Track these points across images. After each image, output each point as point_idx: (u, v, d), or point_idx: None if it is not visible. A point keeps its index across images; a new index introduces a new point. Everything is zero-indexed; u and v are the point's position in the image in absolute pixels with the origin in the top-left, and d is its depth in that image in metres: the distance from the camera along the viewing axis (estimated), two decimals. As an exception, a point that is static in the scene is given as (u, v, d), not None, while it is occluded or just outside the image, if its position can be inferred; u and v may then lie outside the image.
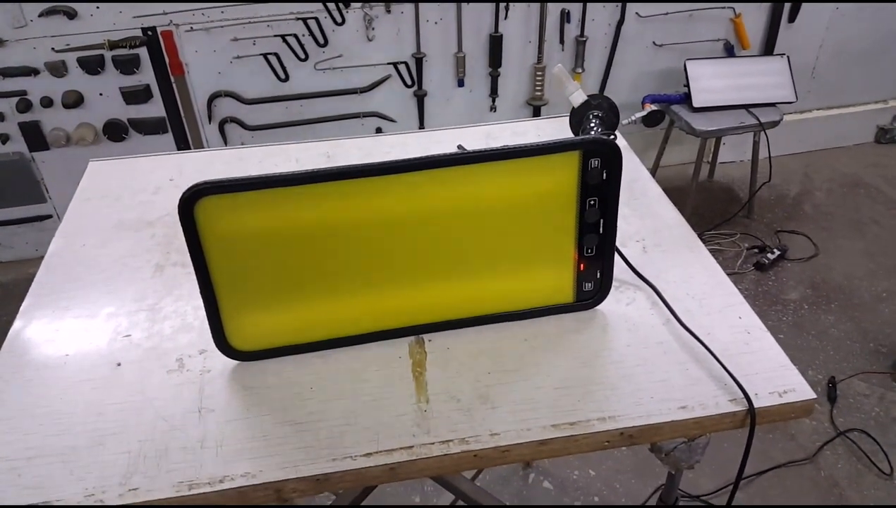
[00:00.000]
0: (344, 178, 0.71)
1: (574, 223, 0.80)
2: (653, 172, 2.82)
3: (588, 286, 0.83)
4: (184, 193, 0.68)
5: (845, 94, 3.04)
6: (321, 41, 2.42)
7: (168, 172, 1.11)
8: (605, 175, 0.78)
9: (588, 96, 1.17)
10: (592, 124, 1.10)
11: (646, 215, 1.01)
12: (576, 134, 1.19)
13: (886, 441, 1.81)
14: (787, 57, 2.53)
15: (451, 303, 0.81)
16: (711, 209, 2.76)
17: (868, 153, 3.12)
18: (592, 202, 0.79)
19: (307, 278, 0.76)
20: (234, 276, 0.73)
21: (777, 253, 2.47)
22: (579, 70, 2.67)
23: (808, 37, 2.81)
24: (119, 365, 0.78)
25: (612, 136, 1.09)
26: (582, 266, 0.82)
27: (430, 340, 0.80)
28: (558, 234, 0.80)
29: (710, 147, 2.86)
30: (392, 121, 2.67)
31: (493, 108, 2.73)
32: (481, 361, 0.77)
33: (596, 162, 0.77)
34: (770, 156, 2.57)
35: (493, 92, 2.68)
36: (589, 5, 2.53)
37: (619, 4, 2.55)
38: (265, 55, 2.40)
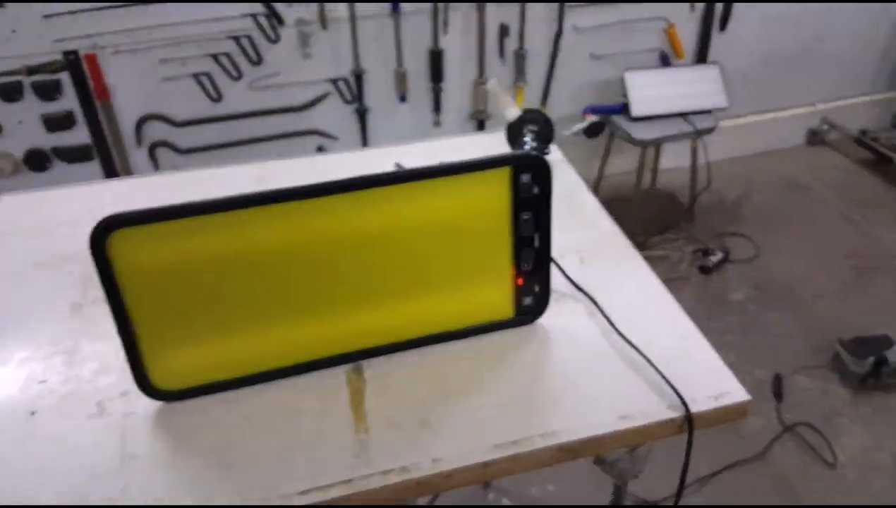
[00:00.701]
0: (266, 203, 0.68)
1: (509, 238, 0.79)
2: (597, 182, 2.87)
3: (527, 300, 0.82)
4: (94, 227, 0.64)
5: (777, 99, 3.15)
6: (255, 59, 2.38)
7: (87, 204, 1.05)
8: (536, 189, 0.77)
9: (523, 111, 1.17)
10: (528, 138, 1.10)
11: (583, 227, 1.01)
12: (513, 148, 1.19)
13: (830, 433, 1.86)
14: (719, 64, 2.60)
15: (389, 327, 0.78)
16: (656, 215, 2.80)
17: (801, 155, 3.23)
18: (526, 217, 0.78)
19: (233, 310, 0.72)
20: (155, 312, 0.69)
21: (720, 255, 2.53)
22: (521, 83, 2.69)
23: (739, 44, 2.89)
24: (34, 413, 0.73)
25: (547, 151, 1.09)
26: (520, 281, 0.81)
27: (368, 367, 0.78)
28: (495, 250, 0.79)
29: (652, 155, 2.92)
30: (334, 138, 2.63)
31: (437, 123, 2.73)
32: (422, 385, 0.75)
33: (527, 177, 0.76)
34: (709, 162, 2.63)
35: (437, 107, 2.68)
36: (528, 19, 2.56)
37: (557, 17, 2.58)
38: (196, 75, 2.35)
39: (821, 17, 2.95)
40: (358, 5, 2.36)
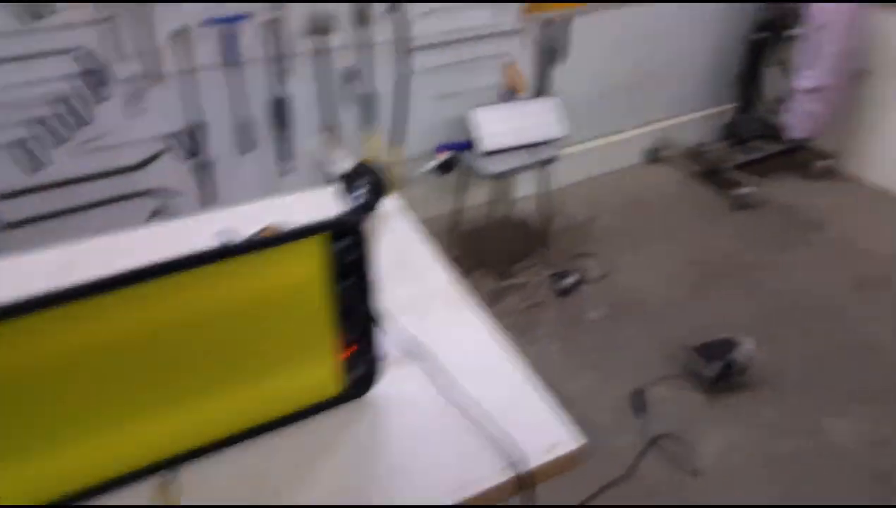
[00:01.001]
0: (45, 307, 0.60)
1: (330, 310, 0.74)
2: (456, 216, 2.91)
3: (356, 374, 0.78)
4: None
5: (616, 122, 3.36)
6: (83, 120, 2.20)
7: None
8: (355, 254, 0.74)
9: (356, 164, 1.14)
10: (359, 193, 1.07)
11: (419, 279, 0.99)
12: (349, 201, 1.15)
13: (691, 440, 1.95)
14: (558, 96, 2.73)
15: (203, 426, 0.71)
16: (513, 244, 2.88)
17: (640, 173, 3.46)
18: (347, 284, 0.75)
19: (11, 429, 0.62)
20: None
21: (575, 277, 2.62)
22: (373, 124, 2.68)
23: (577, 75, 3.06)
24: None
25: (376, 206, 1.07)
26: (346, 353, 0.77)
27: (184, 472, 0.70)
28: (315, 324, 0.74)
29: (505, 186, 3.00)
30: (176, 195, 2.49)
31: (285, 172, 2.65)
32: (244, 486, 0.68)
33: (344, 242, 0.73)
34: (558, 188, 2.74)
35: (283, 155, 2.60)
36: (374, 63, 2.56)
37: (402, 60, 2.61)
38: (14, 142, 2.13)
39: (649, 44, 3.19)
40: (193, 58, 2.26)
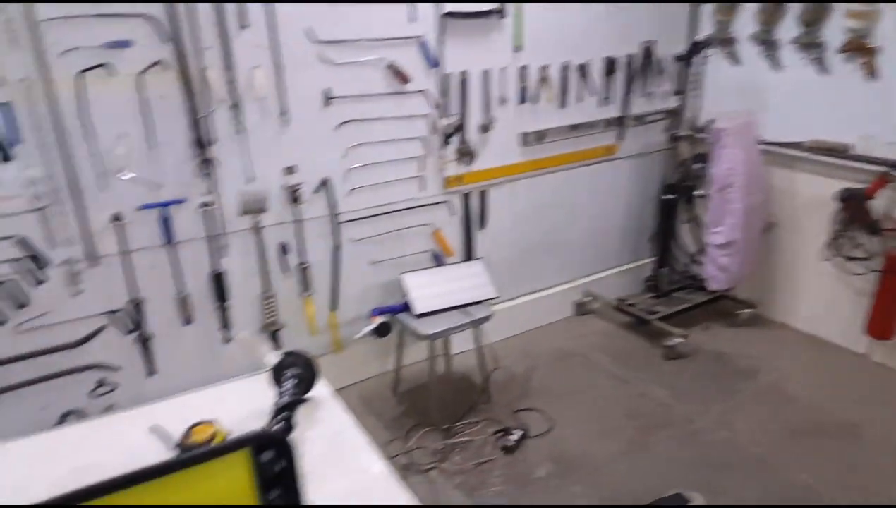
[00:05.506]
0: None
1: (259, 520, 0.77)
2: (396, 375, 2.94)
3: (287, 583, 0.80)
4: None
5: (540, 280, 3.54)
6: (20, 303, 2.22)
7: None
8: (282, 464, 0.78)
9: (283, 354, 1.20)
10: (286, 387, 1.12)
11: (351, 471, 1.03)
12: (278, 389, 1.20)
13: None
14: (483, 259, 2.91)
15: None
16: (454, 400, 2.91)
17: (571, 325, 3.61)
18: (275, 494, 0.78)
19: None
20: None
21: (519, 433, 2.64)
22: (308, 292, 2.77)
23: (499, 238, 3.28)
24: None
25: (304, 399, 1.12)
26: (275, 563, 0.79)
27: None
28: (244, 536, 0.77)
29: (441, 344, 3.08)
30: (115, 369, 2.47)
31: (227, 339, 2.67)
32: None
33: (269, 454, 0.77)
34: (492, 344, 2.83)
35: (224, 324, 2.64)
36: (305, 236, 2.70)
37: (332, 233, 2.76)
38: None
39: (564, 208, 3.46)
40: (129, 240, 2.34)
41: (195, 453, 0.72)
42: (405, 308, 2.71)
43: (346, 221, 2.78)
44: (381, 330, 2.73)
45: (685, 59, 3.41)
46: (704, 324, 3.52)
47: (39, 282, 2.25)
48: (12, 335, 2.26)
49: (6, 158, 2.08)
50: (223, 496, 0.75)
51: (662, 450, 2.60)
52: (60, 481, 0.67)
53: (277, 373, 1.19)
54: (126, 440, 1.12)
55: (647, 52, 3.38)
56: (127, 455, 0.69)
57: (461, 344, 3.14)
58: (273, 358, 1.18)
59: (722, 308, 3.61)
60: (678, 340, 3.22)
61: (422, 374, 2.99)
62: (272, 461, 0.77)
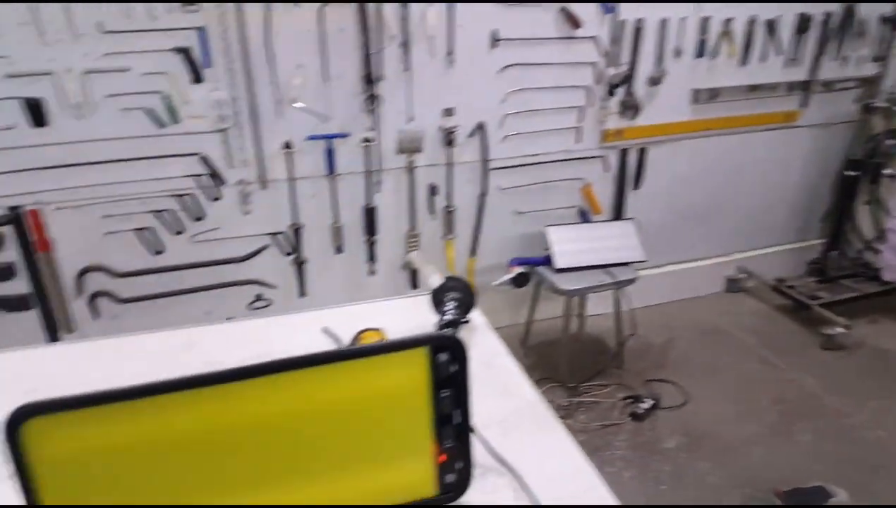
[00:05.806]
0: (180, 390, 0.69)
1: (429, 416, 0.80)
2: (527, 328, 2.94)
3: (449, 478, 0.83)
4: (8, 418, 0.63)
5: (694, 249, 3.38)
6: (198, 215, 2.43)
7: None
8: (454, 367, 0.80)
9: (446, 278, 1.23)
10: (448, 307, 1.15)
11: (505, 395, 1.04)
12: (437, 312, 1.23)
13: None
14: (635, 220, 2.81)
15: (306, 511, 0.77)
16: (584, 361, 2.87)
17: (720, 302, 3.42)
18: (445, 394, 0.81)
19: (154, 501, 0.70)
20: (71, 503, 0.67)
21: (650, 402, 2.58)
22: (450, 236, 2.81)
23: (653, 200, 3.14)
24: None
25: (466, 320, 1.14)
26: (442, 458, 0.82)
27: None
28: (415, 429, 0.80)
29: (577, 302, 3.04)
30: (273, 287, 2.66)
31: (371, 272, 2.80)
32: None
33: (444, 356, 0.80)
34: (633, 310, 2.75)
35: (371, 257, 2.76)
36: (455, 180, 2.73)
37: (481, 179, 2.77)
38: (139, 230, 2.37)
39: (728, 176, 3.25)
40: (295, 168, 2.48)
41: (387, 342, 0.76)
42: (545, 261, 2.69)
43: (495, 168, 2.78)
44: (519, 281, 2.73)
45: (894, 21, 3.04)
46: (872, 317, 3.22)
47: (215, 199, 2.45)
48: (188, 244, 2.48)
49: (198, 80, 2.26)
50: (402, 386, 0.78)
51: (806, 441, 2.43)
52: (251, 360, 0.73)
53: (438, 295, 1.22)
54: (299, 337, 1.19)
55: (849, 11, 3.03)
56: (302, 350, 0.74)
57: (598, 305, 3.08)
58: (437, 279, 1.20)
59: (894, 302, 3.28)
60: (840, 330, 2.97)
61: (552, 331, 2.97)
62: (447, 362, 0.80)
